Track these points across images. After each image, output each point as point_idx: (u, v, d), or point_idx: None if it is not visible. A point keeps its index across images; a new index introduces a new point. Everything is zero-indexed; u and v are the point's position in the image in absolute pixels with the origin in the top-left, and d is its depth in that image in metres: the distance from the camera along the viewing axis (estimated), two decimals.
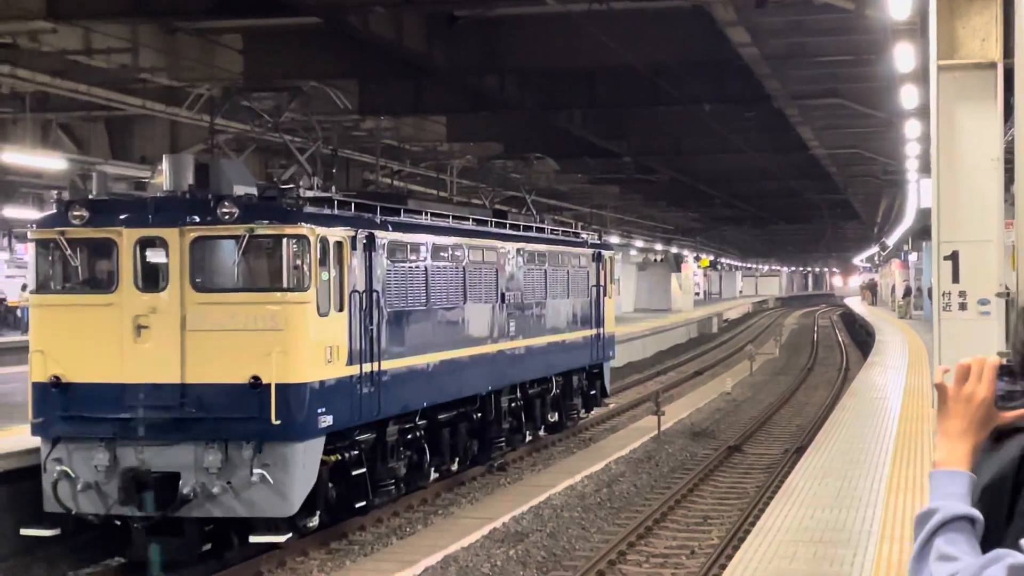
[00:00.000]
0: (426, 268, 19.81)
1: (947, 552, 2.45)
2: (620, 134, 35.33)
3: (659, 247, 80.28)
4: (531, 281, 25.17)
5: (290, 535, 15.89)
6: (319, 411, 15.95)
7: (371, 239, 17.62)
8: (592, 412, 30.73)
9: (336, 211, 17.21)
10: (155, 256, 16.16)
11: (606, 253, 31.07)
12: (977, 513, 2.52)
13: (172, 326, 15.78)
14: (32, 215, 28.28)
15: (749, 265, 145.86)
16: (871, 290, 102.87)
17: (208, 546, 16.17)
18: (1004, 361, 2.65)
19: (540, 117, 31.08)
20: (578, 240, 29.49)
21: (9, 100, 25.84)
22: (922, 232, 49.26)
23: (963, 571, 2.38)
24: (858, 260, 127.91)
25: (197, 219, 15.88)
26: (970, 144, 12.77)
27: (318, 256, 16.01)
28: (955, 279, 12.43)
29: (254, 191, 16.51)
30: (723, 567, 13.19)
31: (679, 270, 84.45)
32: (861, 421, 23.15)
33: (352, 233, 17.06)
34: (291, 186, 17.09)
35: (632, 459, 24.89)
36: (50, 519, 16.00)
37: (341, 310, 16.69)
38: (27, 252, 17.99)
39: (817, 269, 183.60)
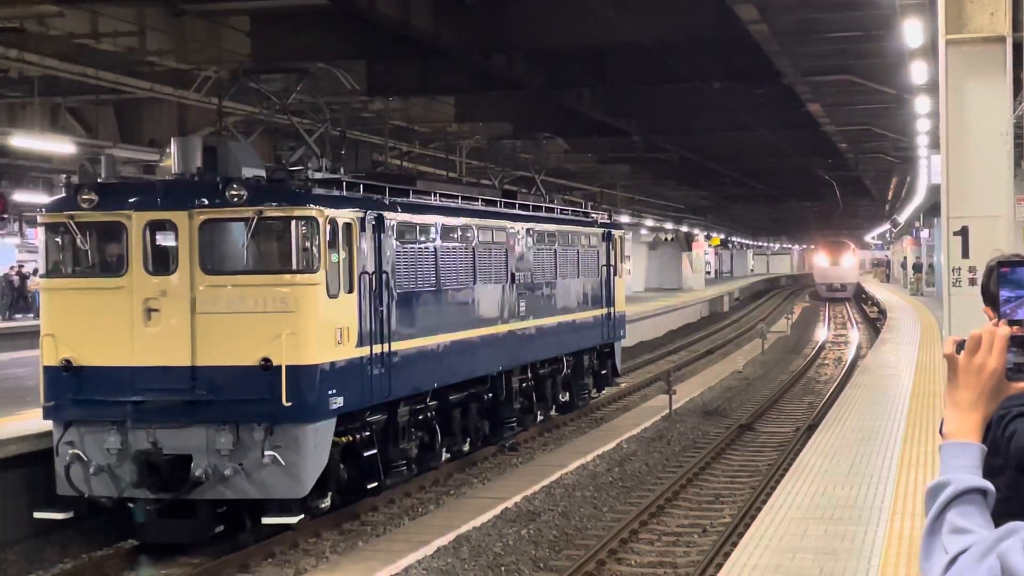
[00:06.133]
0: (436, 249, 19.79)
1: (960, 525, 2.43)
2: (629, 112, 35.24)
3: (669, 226, 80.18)
4: (541, 261, 25.14)
5: (302, 516, 15.92)
6: (330, 393, 15.97)
7: (380, 220, 17.61)
8: (603, 391, 30.73)
9: (345, 193, 17.19)
10: (165, 239, 16.18)
11: (616, 232, 31.03)
12: (989, 485, 2.50)
13: (182, 309, 15.79)
14: (42, 199, 28.35)
15: (760, 243, 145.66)
16: (884, 267, 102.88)
17: (220, 528, 16.22)
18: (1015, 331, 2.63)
19: (549, 96, 31.01)
20: (588, 220, 29.45)
21: (17, 84, 25.84)
22: (933, 209, 49.14)
23: (977, 544, 2.36)
24: (869, 237, 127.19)
25: (206, 202, 15.88)
26: (979, 119, 12.71)
27: (327, 238, 16.00)
28: (964, 254, 12.39)
29: (263, 173, 16.51)
30: (735, 545, 13.19)
31: (690, 249, 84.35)
32: (873, 398, 23.15)
33: (361, 214, 17.05)
34: (300, 168, 17.09)
35: (644, 438, 24.89)
36: (63, 502, 16.07)
37: (351, 292, 16.69)
38: (37, 236, 18.01)
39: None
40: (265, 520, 15.76)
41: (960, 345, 2.63)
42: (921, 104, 25.39)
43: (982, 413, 2.60)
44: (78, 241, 16.30)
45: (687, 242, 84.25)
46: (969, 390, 2.60)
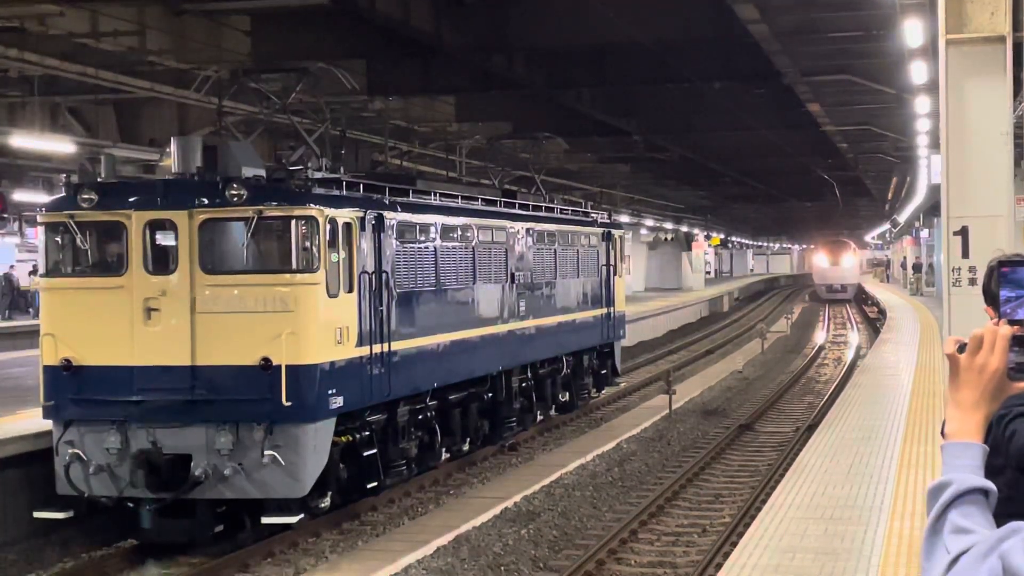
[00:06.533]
0: (435, 249, 19.78)
1: (962, 525, 2.43)
2: (629, 112, 35.21)
3: (669, 226, 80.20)
4: (541, 261, 25.14)
5: (302, 516, 15.92)
6: (329, 392, 15.96)
7: (380, 220, 17.60)
8: (603, 391, 30.72)
9: (345, 192, 17.19)
10: (164, 239, 16.18)
11: (616, 232, 31.02)
12: (991, 485, 2.50)
13: (182, 308, 15.79)
14: (41, 199, 28.33)
15: (760, 243, 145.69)
16: (883, 267, 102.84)
17: (220, 527, 16.21)
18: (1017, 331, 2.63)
19: (549, 96, 31.00)
20: (588, 219, 29.44)
21: (17, 84, 25.83)
22: (933, 209, 49.14)
23: (978, 544, 2.36)
24: (869, 237, 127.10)
25: (206, 201, 15.88)
26: (979, 119, 12.72)
27: (327, 237, 16.00)
28: (964, 254, 12.40)
29: (263, 173, 16.50)
30: (734, 545, 13.18)
31: (690, 249, 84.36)
32: (873, 398, 23.15)
33: (361, 214, 17.05)
34: (300, 168, 17.08)
35: (643, 438, 24.89)
36: (63, 502, 16.06)
37: (351, 291, 16.69)
38: (37, 236, 18.00)
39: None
40: (265, 520, 15.76)
41: (962, 345, 2.63)
42: (921, 104, 25.39)
43: (984, 413, 2.60)
44: (78, 241, 16.29)
45: (687, 242, 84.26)
46: (971, 390, 2.60)
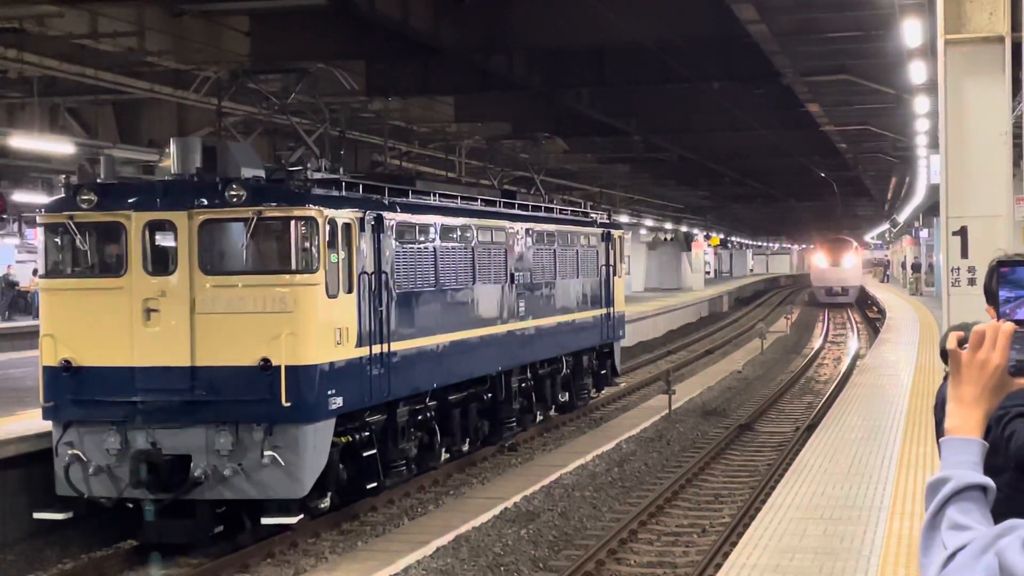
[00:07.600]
0: (435, 249, 19.78)
1: (960, 521, 2.43)
2: (629, 112, 35.23)
3: (669, 226, 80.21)
4: (540, 261, 25.14)
5: (301, 517, 15.92)
6: (329, 393, 15.96)
7: (379, 220, 17.60)
8: (603, 391, 30.73)
9: (344, 193, 17.19)
10: (164, 239, 16.17)
11: (615, 232, 31.02)
12: (990, 482, 2.50)
13: (182, 309, 15.79)
14: (41, 200, 28.33)
15: (760, 243, 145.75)
16: (882, 267, 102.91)
17: (220, 528, 16.21)
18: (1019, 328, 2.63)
19: (548, 96, 31.01)
20: (587, 220, 29.45)
21: (17, 85, 25.84)
22: (932, 208, 49.15)
23: (976, 541, 2.36)
24: (869, 237, 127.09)
25: (205, 202, 15.87)
26: (978, 119, 12.74)
27: (327, 238, 16.00)
28: (964, 254, 12.42)
29: (262, 173, 16.50)
30: (734, 545, 13.18)
31: (689, 249, 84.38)
32: (872, 398, 23.15)
33: (360, 215, 17.05)
34: (299, 168, 17.07)
35: (643, 438, 24.88)
36: (62, 503, 16.05)
37: (350, 292, 16.69)
38: (37, 237, 18.00)
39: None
40: (264, 520, 15.75)
41: (963, 341, 2.63)
42: (920, 104, 25.41)
43: (985, 409, 2.60)
44: (77, 241, 16.28)
45: (686, 242, 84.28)
46: (972, 386, 2.60)
